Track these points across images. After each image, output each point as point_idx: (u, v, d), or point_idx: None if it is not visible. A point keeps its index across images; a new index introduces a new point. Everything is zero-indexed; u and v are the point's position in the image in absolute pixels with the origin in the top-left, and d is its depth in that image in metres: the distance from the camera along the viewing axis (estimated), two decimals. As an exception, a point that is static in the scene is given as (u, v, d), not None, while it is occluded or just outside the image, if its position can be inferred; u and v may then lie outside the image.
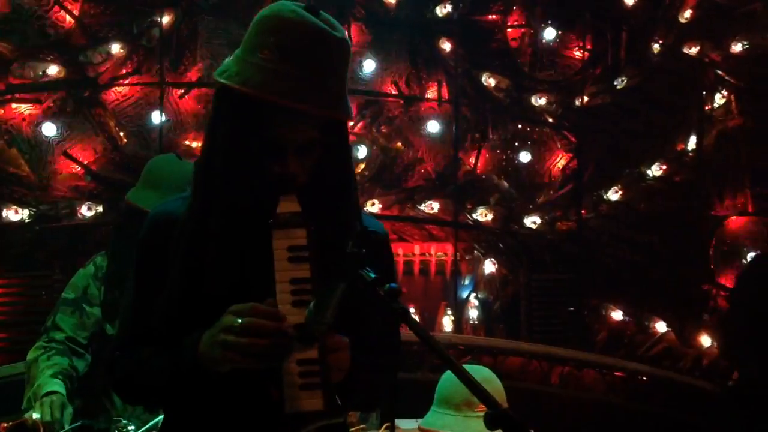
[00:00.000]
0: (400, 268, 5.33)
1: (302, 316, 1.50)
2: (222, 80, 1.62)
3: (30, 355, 2.95)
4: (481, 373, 2.59)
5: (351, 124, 5.31)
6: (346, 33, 1.68)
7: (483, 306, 5.46)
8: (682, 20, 5.86)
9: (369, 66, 5.34)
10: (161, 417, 2.62)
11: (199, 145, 4.89)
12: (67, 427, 2.55)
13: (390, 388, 1.88)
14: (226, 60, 1.67)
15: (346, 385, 1.59)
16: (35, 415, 2.55)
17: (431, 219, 5.38)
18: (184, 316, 1.63)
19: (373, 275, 1.49)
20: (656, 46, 5.84)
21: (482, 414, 2.64)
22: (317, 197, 1.64)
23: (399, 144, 5.42)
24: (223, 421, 1.64)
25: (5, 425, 2.56)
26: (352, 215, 1.72)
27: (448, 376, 2.81)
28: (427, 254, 5.41)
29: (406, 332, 4.44)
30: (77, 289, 3.01)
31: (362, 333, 1.65)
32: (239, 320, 1.50)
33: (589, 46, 5.73)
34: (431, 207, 5.37)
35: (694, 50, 5.87)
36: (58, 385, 2.78)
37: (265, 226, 1.57)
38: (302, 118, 1.59)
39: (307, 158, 1.63)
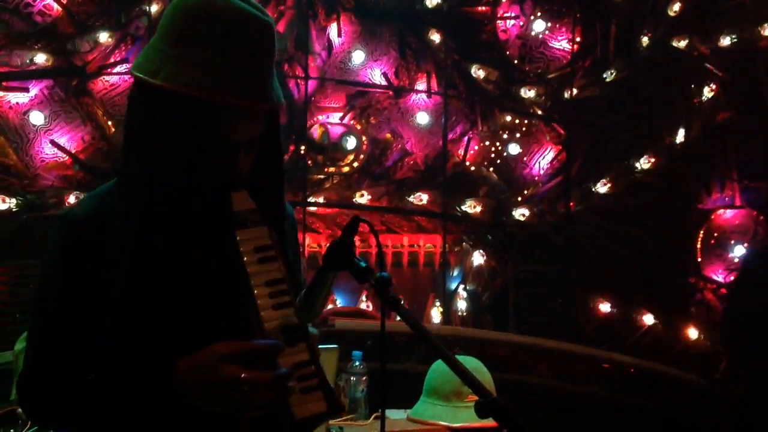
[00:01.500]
0: (389, 259, 5.33)
1: (286, 318, 1.49)
2: (159, 81, 1.49)
3: (18, 345, 2.93)
4: (470, 363, 2.60)
5: (340, 114, 5.31)
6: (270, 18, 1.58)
7: (471, 298, 5.47)
8: (671, 13, 5.87)
9: (358, 57, 5.33)
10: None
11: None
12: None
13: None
14: (148, 53, 1.55)
15: None
16: None
17: (420, 211, 5.38)
18: (138, 330, 1.51)
19: (363, 264, 1.50)
20: (645, 39, 5.85)
21: (471, 404, 2.67)
22: (259, 188, 1.59)
23: (388, 135, 5.41)
24: None
25: (-6, 414, 2.56)
26: (282, 204, 1.69)
27: (437, 366, 2.82)
28: (415, 246, 5.42)
29: (394, 323, 4.48)
30: None
31: None
32: (243, 375, 1.40)
33: (578, 39, 5.73)
34: (420, 199, 5.37)
35: (682, 43, 5.88)
36: None
37: (217, 224, 1.52)
38: (248, 113, 1.53)
39: (252, 152, 1.58)
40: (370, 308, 5.18)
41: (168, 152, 1.52)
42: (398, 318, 4.55)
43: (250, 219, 1.53)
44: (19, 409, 2.59)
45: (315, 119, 5.25)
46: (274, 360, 1.44)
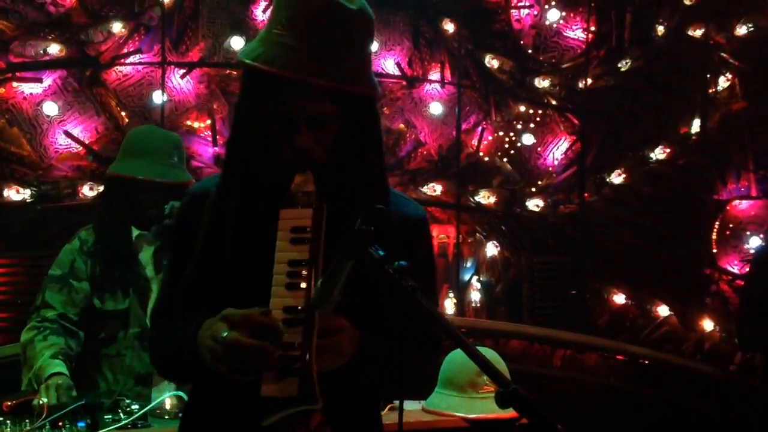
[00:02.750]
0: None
1: (294, 299, 1.49)
2: (240, 58, 1.64)
3: (24, 336, 2.92)
4: (486, 354, 2.59)
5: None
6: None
7: (485, 289, 5.45)
8: (687, 2, 5.83)
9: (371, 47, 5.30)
10: (164, 396, 2.62)
11: (201, 125, 4.89)
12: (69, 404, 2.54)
13: (427, 376, 1.86)
14: (250, 43, 1.69)
15: (354, 369, 1.56)
16: (43, 399, 2.53)
17: (433, 201, 5.36)
18: (202, 293, 1.67)
19: (381, 252, 1.47)
20: (660, 28, 5.81)
21: (487, 395, 2.68)
22: (338, 176, 1.61)
23: (401, 126, 5.40)
24: (240, 400, 1.62)
25: (8, 403, 2.56)
26: (373, 194, 1.65)
27: (452, 357, 2.80)
28: (429, 236, 5.39)
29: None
30: (64, 265, 2.99)
31: (379, 313, 1.59)
32: (225, 333, 1.49)
33: (593, 28, 5.70)
34: (433, 189, 5.35)
35: (698, 32, 5.84)
36: (60, 366, 2.76)
37: (278, 203, 1.57)
38: (309, 90, 1.57)
39: (321, 133, 1.60)
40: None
41: (240, 127, 1.68)
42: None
43: (301, 200, 1.55)
44: (35, 400, 2.59)
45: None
46: (264, 332, 1.48)
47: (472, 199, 5.43)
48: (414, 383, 1.80)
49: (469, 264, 5.48)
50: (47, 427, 2.44)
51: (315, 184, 1.57)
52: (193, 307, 1.67)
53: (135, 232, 3.01)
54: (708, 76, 5.84)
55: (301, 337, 1.47)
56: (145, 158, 2.94)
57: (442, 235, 5.42)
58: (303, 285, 1.50)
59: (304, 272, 1.51)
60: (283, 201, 1.56)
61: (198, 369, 1.58)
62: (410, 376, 1.72)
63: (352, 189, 1.64)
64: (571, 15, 5.70)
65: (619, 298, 5.60)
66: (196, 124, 4.87)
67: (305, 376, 1.46)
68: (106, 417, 2.54)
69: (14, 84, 4.62)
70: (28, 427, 2.41)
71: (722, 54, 5.84)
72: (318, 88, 1.57)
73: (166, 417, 2.59)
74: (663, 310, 5.61)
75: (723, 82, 5.85)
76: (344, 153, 1.63)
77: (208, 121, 4.88)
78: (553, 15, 5.63)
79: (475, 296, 5.43)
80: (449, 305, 5.30)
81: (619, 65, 5.72)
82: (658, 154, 5.73)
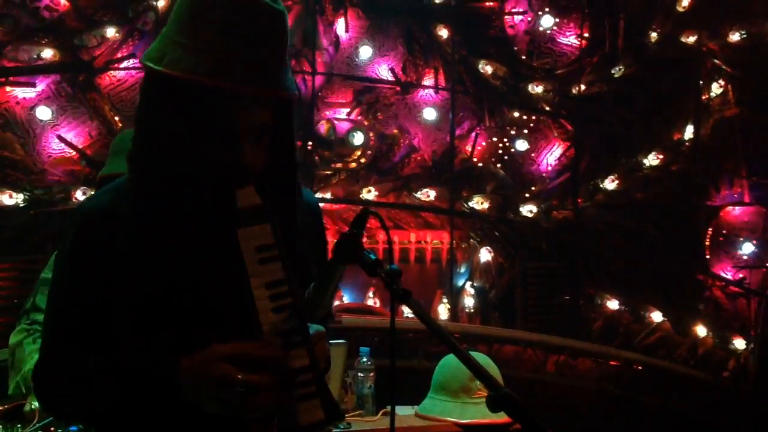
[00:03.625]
0: (396, 255, 5.31)
1: (285, 321, 1.46)
2: (160, 68, 1.46)
3: (13, 339, 2.89)
4: (478, 360, 2.59)
5: (347, 110, 5.29)
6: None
7: (479, 294, 5.45)
8: (680, 9, 5.85)
9: (365, 52, 5.31)
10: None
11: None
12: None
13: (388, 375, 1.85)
14: (158, 41, 1.52)
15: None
16: (34, 404, 2.52)
17: (427, 207, 5.36)
18: (149, 327, 1.50)
19: (373, 257, 1.47)
20: (654, 35, 5.83)
21: (480, 400, 2.67)
22: (271, 182, 1.54)
23: (395, 131, 5.40)
24: None
25: (0, 408, 2.54)
26: (296, 195, 1.64)
27: (445, 362, 2.81)
28: (422, 242, 5.40)
29: (401, 319, 4.45)
30: None
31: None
32: (240, 376, 1.39)
33: (586, 34, 5.71)
34: (427, 195, 5.35)
35: (691, 39, 5.86)
36: None
37: (223, 221, 1.48)
38: (255, 101, 1.49)
39: (261, 144, 1.52)
40: (377, 304, 5.16)
41: (170, 142, 1.49)
42: (405, 314, 4.53)
43: (255, 216, 1.48)
44: (26, 406, 2.58)
45: (322, 115, 5.24)
46: (272, 366, 1.42)
47: (465, 205, 5.43)
48: None
49: (462, 269, 5.47)
50: (39, 432, 2.43)
51: (260, 196, 1.49)
52: (134, 344, 1.50)
53: None
54: (701, 82, 5.86)
55: (305, 359, 1.45)
56: None
57: (435, 240, 5.42)
58: (288, 304, 1.46)
59: (286, 291, 1.47)
60: (234, 220, 1.47)
61: (165, 414, 1.47)
62: None
63: (286, 192, 1.60)
64: (565, 21, 5.71)
65: (613, 304, 5.60)
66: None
67: (325, 396, 1.46)
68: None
69: (7, 89, 4.61)
70: (19, 432, 2.41)
71: (715, 61, 5.86)
72: (265, 98, 1.51)
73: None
74: (656, 316, 5.61)
75: (716, 89, 5.87)
76: (278, 160, 1.57)
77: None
78: (547, 21, 5.64)
79: (469, 302, 5.42)
80: (443, 310, 5.30)
81: (613, 71, 5.73)
82: (652, 160, 5.74)
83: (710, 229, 5.75)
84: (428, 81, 5.45)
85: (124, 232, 1.51)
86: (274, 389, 1.41)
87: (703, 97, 5.87)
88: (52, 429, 2.44)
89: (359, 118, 5.30)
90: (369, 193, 5.21)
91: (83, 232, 1.56)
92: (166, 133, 1.49)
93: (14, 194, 4.53)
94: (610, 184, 5.68)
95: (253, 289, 1.46)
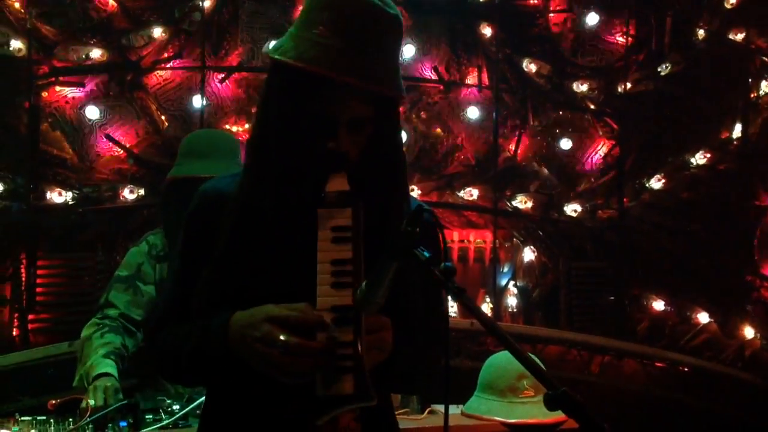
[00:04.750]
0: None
1: (341, 298, 1.49)
2: (275, 56, 1.60)
3: (84, 332, 2.96)
4: (526, 358, 2.56)
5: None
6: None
7: (522, 294, 5.42)
8: (728, 6, 5.76)
9: (409, 51, 5.30)
10: (200, 400, 2.64)
11: (240, 129, 4.92)
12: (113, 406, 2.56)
13: (433, 374, 1.84)
14: (282, 38, 1.65)
15: (387, 366, 1.57)
16: (90, 402, 2.56)
17: (470, 206, 5.34)
18: (226, 293, 1.61)
19: (427, 254, 1.47)
20: (701, 32, 5.75)
21: (527, 400, 2.66)
22: (368, 176, 1.62)
23: (438, 130, 5.38)
24: (262, 399, 1.62)
25: (53, 402, 2.59)
26: (401, 195, 1.70)
27: (492, 361, 2.79)
28: (465, 241, 5.38)
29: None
30: (131, 267, 3.02)
31: (407, 314, 1.64)
32: (282, 337, 1.47)
33: (632, 32, 5.65)
34: (470, 194, 5.33)
35: (739, 36, 5.77)
36: (110, 367, 2.79)
37: (314, 204, 1.56)
38: (354, 92, 1.57)
39: (358, 135, 1.61)
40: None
41: (277, 127, 1.61)
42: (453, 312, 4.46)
43: (338, 200, 1.54)
44: (82, 402, 2.62)
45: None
46: (314, 334, 1.48)
47: (509, 204, 5.40)
48: (434, 379, 1.86)
49: (505, 269, 5.45)
50: (90, 426, 2.46)
51: (350, 183, 1.57)
52: (212, 309, 1.62)
53: None
54: (749, 80, 5.77)
55: (350, 335, 1.48)
56: (209, 158, 2.93)
57: (478, 239, 5.40)
58: (349, 284, 1.50)
59: (349, 271, 1.51)
60: (319, 201, 1.56)
61: (224, 366, 1.58)
62: (434, 372, 1.80)
63: (383, 189, 1.66)
64: (611, 19, 5.65)
65: (659, 305, 5.53)
66: (234, 128, 4.90)
67: (359, 374, 1.48)
68: (147, 417, 2.56)
69: (57, 88, 4.68)
70: (71, 426, 2.44)
71: (763, 58, 5.77)
72: (363, 91, 1.57)
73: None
74: (703, 317, 5.54)
75: (765, 87, 5.78)
76: (376, 154, 1.64)
77: (247, 125, 4.91)
78: (592, 19, 5.59)
79: (512, 301, 5.40)
80: (485, 310, 5.28)
81: (659, 69, 5.66)
82: (699, 159, 5.66)
83: (758, 229, 5.65)
84: (472, 80, 5.43)
85: (229, 208, 1.65)
86: (312, 355, 1.47)
87: (752, 95, 5.78)
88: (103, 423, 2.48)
89: (402, 116, 5.28)
90: (412, 192, 5.17)
91: (197, 210, 1.71)
92: (274, 119, 1.62)
93: (63, 192, 4.60)
94: (656, 183, 5.61)
95: (319, 263, 1.52)
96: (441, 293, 1.82)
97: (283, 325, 1.49)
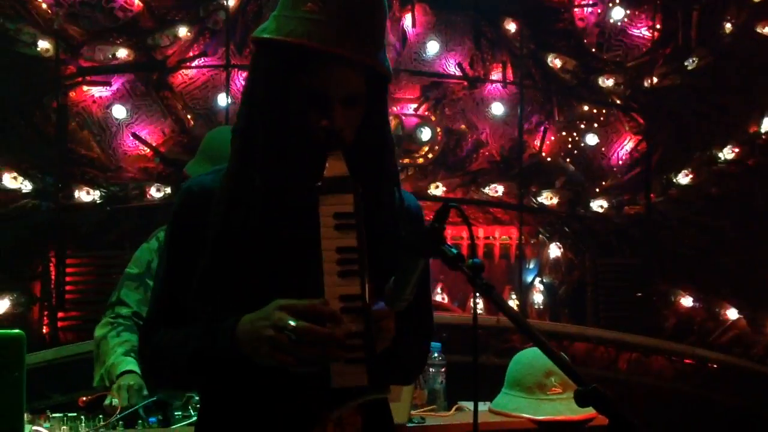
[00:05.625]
0: (464, 251, 5.27)
1: (349, 287, 1.47)
2: (264, 35, 1.57)
3: (98, 332, 2.97)
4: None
5: (414, 105, 5.28)
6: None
7: (548, 290, 5.39)
8: (755, -1, 5.70)
9: (433, 47, 5.30)
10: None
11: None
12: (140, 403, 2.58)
13: (422, 366, 1.88)
14: (265, 23, 1.62)
15: (390, 355, 1.56)
16: (114, 401, 2.58)
17: (495, 202, 5.32)
18: (220, 289, 1.58)
19: (455, 251, 1.46)
20: (728, 26, 5.68)
21: (554, 397, 2.64)
22: (361, 157, 1.58)
23: (463, 126, 5.37)
24: (263, 396, 1.59)
25: (84, 399, 2.61)
26: (392, 178, 1.68)
27: (519, 358, 2.78)
28: (491, 238, 5.36)
29: (458, 314, 4.45)
30: (141, 264, 3.02)
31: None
32: (292, 322, 1.44)
33: (658, 26, 5.60)
34: (495, 190, 5.31)
35: (767, 30, 5.69)
36: (132, 364, 2.80)
37: (312, 186, 1.51)
38: (347, 67, 1.54)
39: (352, 113, 1.58)
40: (446, 300, 5.15)
41: (265, 106, 1.57)
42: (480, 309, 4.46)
43: (338, 185, 1.50)
44: (106, 399, 2.64)
45: (389, 110, 5.22)
46: (323, 322, 1.45)
47: (534, 200, 5.38)
48: (418, 369, 1.89)
49: (531, 265, 5.43)
50: (120, 423, 2.48)
51: (347, 165, 1.53)
52: (209, 304, 1.58)
53: None
54: (778, 73, 5.70)
55: (360, 324, 1.46)
56: (220, 161, 2.93)
57: (504, 236, 5.39)
58: (356, 272, 1.48)
59: (355, 259, 1.48)
60: (318, 187, 1.51)
61: (231, 367, 1.54)
62: (419, 362, 1.83)
63: (377, 171, 1.64)
64: (636, 13, 5.60)
65: (687, 301, 5.48)
66: (259, 126, 4.92)
67: (373, 365, 1.47)
68: (176, 413, 2.58)
69: (84, 88, 4.73)
70: (102, 423, 2.46)
71: (792, 51, 5.69)
72: (358, 66, 1.56)
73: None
74: (732, 313, 5.49)
75: (793, 80, 5.70)
76: (369, 134, 1.62)
77: (272, 123, 4.92)
78: (618, 13, 5.54)
79: (538, 298, 5.38)
80: (511, 307, 5.25)
81: (686, 63, 5.60)
82: (727, 153, 5.60)
83: (788, 224, 5.59)
84: (496, 75, 5.41)
85: (215, 203, 1.59)
86: (323, 343, 1.44)
87: (780, 89, 5.71)
88: (132, 419, 2.50)
89: (427, 113, 5.28)
90: (437, 189, 5.20)
91: (182, 208, 1.66)
92: (262, 100, 1.57)
93: (91, 191, 4.64)
94: (683, 178, 5.56)
95: (324, 251, 1.49)
96: (429, 289, 1.83)
97: (294, 313, 1.45)
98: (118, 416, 2.49)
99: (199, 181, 1.68)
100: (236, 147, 1.63)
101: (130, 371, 2.77)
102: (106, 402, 2.62)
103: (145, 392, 2.70)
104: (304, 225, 1.52)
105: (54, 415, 2.50)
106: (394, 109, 5.25)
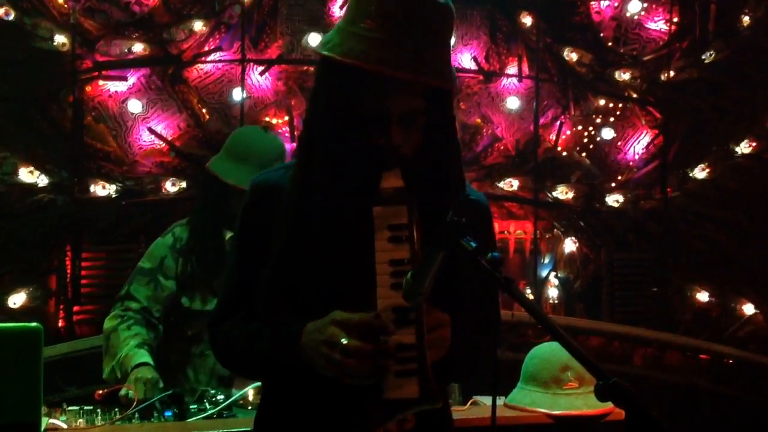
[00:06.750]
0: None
1: (401, 299, 1.48)
2: (324, 52, 1.58)
3: (107, 324, 2.97)
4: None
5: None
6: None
7: (563, 285, 5.38)
8: (774, -8, 5.64)
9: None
10: (249, 387, 2.65)
11: (279, 121, 4.93)
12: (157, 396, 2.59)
13: (487, 363, 1.83)
14: (330, 32, 1.63)
15: (446, 362, 1.57)
16: (131, 393, 2.59)
17: (510, 197, 5.31)
18: (285, 291, 1.64)
19: (474, 244, 1.46)
20: (746, 19, 5.64)
21: (570, 392, 2.64)
22: (423, 170, 1.60)
23: (478, 120, 5.35)
24: (322, 401, 1.63)
25: (100, 392, 2.62)
26: (457, 187, 1.68)
27: (535, 353, 2.77)
28: (506, 232, 5.35)
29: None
30: (154, 259, 3.02)
31: (460, 307, 1.63)
32: (344, 340, 1.48)
33: (675, 19, 5.56)
34: (510, 184, 5.30)
35: (786, 23, 5.65)
36: (146, 357, 2.81)
37: (368, 201, 1.54)
38: (404, 86, 1.55)
39: (410, 129, 1.59)
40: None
41: (328, 122, 1.60)
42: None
43: (394, 197, 1.53)
44: (122, 391, 2.65)
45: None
46: (377, 337, 1.48)
47: (549, 195, 5.36)
48: (482, 371, 1.87)
49: (546, 260, 5.41)
50: (136, 416, 2.49)
51: (404, 179, 1.55)
52: (273, 307, 1.65)
53: (227, 234, 2.96)
54: (796, 67, 5.65)
55: (412, 337, 1.48)
56: (246, 165, 2.90)
57: (519, 230, 5.37)
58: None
59: (408, 271, 1.49)
60: (374, 199, 1.54)
61: (296, 371, 1.59)
62: (483, 364, 1.81)
63: (438, 184, 1.63)
64: (653, 6, 5.56)
65: (703, 296, 5.46)
66: (274, 121, 4.92)
67: (424, 377, 1.47)
68: (192, 407, 2.59)
69: (100, 82, 4.74)
70: (117, 416, 2.47)
71: (811, 45, 5.64)
72: (415, 84, 1.55)
73: (250, 408, 2.62)
74: (748, 309, 5.45)
75: (811, 74, 5.65)
76: (430, 149, 1.62)
77: (287, 118, 4.93)
78: (634, 6, 5.50)
79: (553, 293, 5.36)
80: (527, 301, 5.24)
81: (703, 57, 5.56)
82: (744, 148, 5.55)
83: (806, 219, 5.55)
84: (512, 69, 5.38)
85: (283, 204, 1.65)
86: (373, 358, 1.47)
87: (798, 83, 5.66)
88: (148, 412, 2.51)
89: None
90: (451, 183, 5.18)
91: (251, 203, 1.73)
92: (323, 116, 1.61)
93: (107, 185, 4.66)
94: (700, 173, 5.52)
95: (377, 263, 1.52)
96: (493, 288, 1.82)
97: (346, 328, 1.50)
98: (135, 409, 2.50)
99: (266, 178, 1.75)
100: (299, 159, 1.68)
101: (145, 363, 2.77)
102: (122, 392, 2.63)
103: (161, 385, 2.70)
104: (360, 236, 1.55)
105: (70, 408, 2.51)
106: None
